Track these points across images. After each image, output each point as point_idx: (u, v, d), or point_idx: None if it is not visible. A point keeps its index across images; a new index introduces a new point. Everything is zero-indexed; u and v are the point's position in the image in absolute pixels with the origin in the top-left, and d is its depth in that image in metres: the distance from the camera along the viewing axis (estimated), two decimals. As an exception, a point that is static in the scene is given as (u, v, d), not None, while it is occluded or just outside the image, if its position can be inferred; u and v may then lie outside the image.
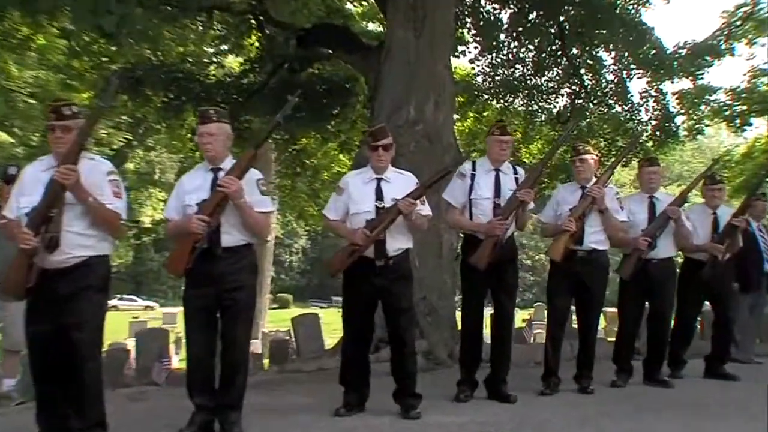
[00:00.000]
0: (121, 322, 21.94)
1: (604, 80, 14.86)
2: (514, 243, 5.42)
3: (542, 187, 14.60)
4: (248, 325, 4.30)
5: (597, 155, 5.96)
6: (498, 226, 5.07)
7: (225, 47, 14.83)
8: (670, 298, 6.17)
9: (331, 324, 11.92)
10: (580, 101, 15.00)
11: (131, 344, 10.89)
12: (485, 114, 16.77)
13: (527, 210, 5.29)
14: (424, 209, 4.81)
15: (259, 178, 4.37)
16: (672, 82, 14.54)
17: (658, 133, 14.83)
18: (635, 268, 5.90)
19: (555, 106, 15.88)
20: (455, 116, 14.92)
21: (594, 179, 5.69)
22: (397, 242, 4.69)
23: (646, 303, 6.16)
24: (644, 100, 14.76)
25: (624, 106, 14.90)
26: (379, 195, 4.70)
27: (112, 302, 42.09)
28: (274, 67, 13.27)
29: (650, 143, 14.94)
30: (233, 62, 16.17)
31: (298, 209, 20.66)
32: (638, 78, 14.51)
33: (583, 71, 14.75)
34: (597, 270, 5.64)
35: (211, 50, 15.11)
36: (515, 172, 5.36)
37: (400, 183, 4.75)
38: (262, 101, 12.98)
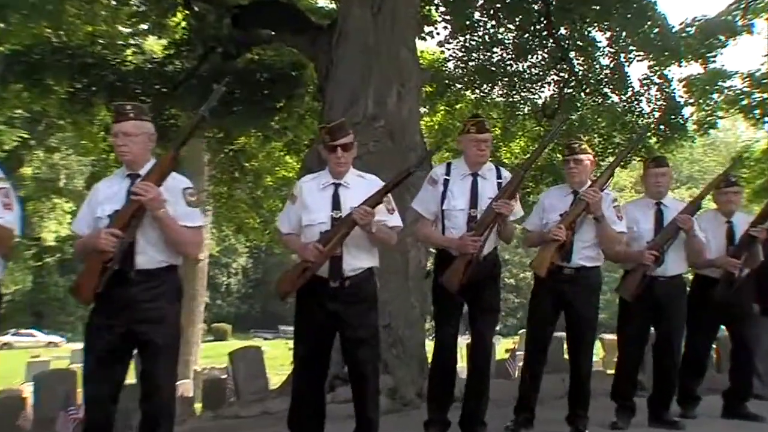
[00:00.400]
0: (17, 362, 21.50)
1: (597, 65, 15.08)
2: (495, 259, 5.44)
3: (526, 192, 14.75)
4: (171, 364, 4.22)
5: (593, 156, 6.00)
6: (470, 244, 5.08)
7: (144, 27, 14.73)
8: (680, 323, 6.15)
9: (278, 359, 11.86)
10: (570, 90, 15.19)
11: (29, 390, 10.67)
12: (458, 107, 16.92)
13: (509, 221, 5.31)
14: (391, 219, 4.80)
15: (186, 187, 4.31)
16: (679, 67, 14.71)
17: (662, 127, 15.06)
18: (639, 287, 5.90)
19: (540, 97, 16.11)
20: (422, 110, 15.00)
21: (588, 183, 5.72)
22: (356, 260, 4.68)
23: (651, 328, 6.18)
24: (646, 88, 15.02)
25: (622, 96, 15.13)
26: (336, 203, 4.69)
27: (4, 338, 41.46)
28: (205, 52, 13.22)
29: (653, 139, 15.16)
30: (155, 45, 16.08)
31: (237, 222, 20.57)
32: (638, 62, 14.79)
33: (572, 55, 14.95)
34: (586, 290, 5.68)
35: (128, 30, 14.96)
36: (498, 176, 5.38)
37: (361, 189, 4.72)
38: (190, 92, 12.88)
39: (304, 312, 4.77)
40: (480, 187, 5.30)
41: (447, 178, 5.36)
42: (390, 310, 7.85)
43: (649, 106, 15.13)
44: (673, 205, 6.18)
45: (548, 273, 5.52)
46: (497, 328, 5.60)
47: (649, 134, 15.14)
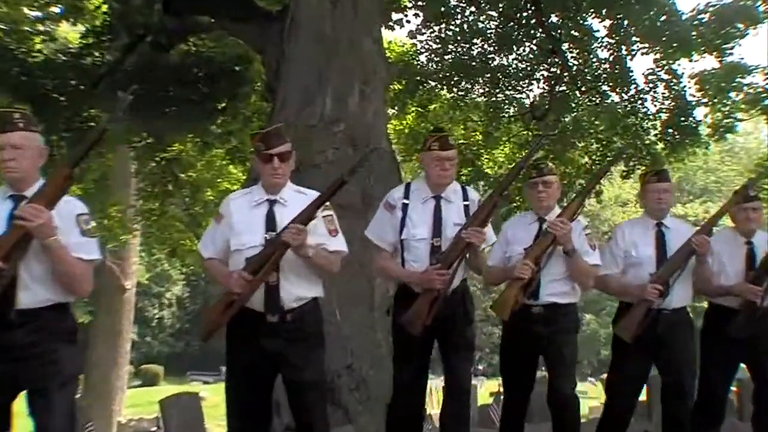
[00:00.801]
0: None
1: (594, 59, 15.24)
2: (466, 292, 5.48)
3: (513, 207, 14.82)
4: (66, 419, 4.09)
5: (559, 179, 6.04)
6: (436, 278, 5.09)
7: (56, 10, 14.62)
8: (691, 362, 6.14)
9: (220, 406, 11.72)
10: (563, 88, 15.34)
11: None
12: (431, 107, 17.05)
13: (480, 251, 5.34)
14: (332, 242, 4.81)
15: (81, 213, 4.23)
16: (690, 61, 14.83)
17: (671, 130, 15.23)
18: (642, 326, 5.87)
19: (528, 96, 16.25)
20: (390, 111, 15.03)
21: (556, 210, 5.78)
22: (297, 288, 4.69)
23: (649, 369, 6.19)
24: (651, 85, 15.20)
25: (623, 95, 15.29)
26: (270, 223, 4.70)
27: None
28: (131, 42, 13.14)
29: (660, 145, 15.31)
30: (69, 33, 15.95)
31: (171, 243, 20.42)
32: (642, 55, 14.92)
33: (565, 47, 15.09)
34: (561, 332, 5.70)
35: (36, 14, 14.80)
36: (465, 198, 5.42)
37: (301, 206, 4.70)
38: (112, 90, 12.75)
39: (236, 353, 4.76)
40: (444, 211, 5.33)
41: (406, 202, 5.38)
42: (352, 347, 7.86)
43: (655, 107, 15.35)
44: (676, 227, 6.22)
45: (512, 315, 5.53)
46: (480, 367, 5.58)
47: (653, 139, 15.26)
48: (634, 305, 5.93)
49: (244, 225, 4.73)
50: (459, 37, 15.19)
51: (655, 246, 6.08)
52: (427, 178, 5.42)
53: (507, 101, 16.11)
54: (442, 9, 14.79)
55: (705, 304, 6.99)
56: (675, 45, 14.15)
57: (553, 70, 15.41)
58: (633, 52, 14.84)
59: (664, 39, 14.04)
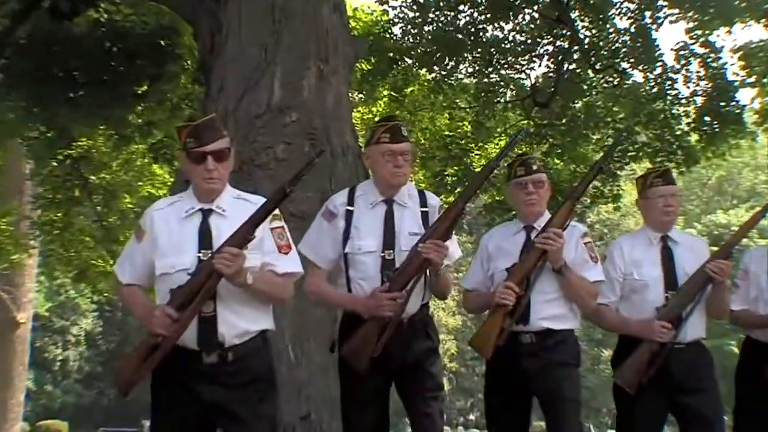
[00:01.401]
0: None
1: (611, 29, 15.31)
2: (426, 319, 5.50)
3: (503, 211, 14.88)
4: None
5: (548, 180, 6.06)
6: (385, 304, 5.11)
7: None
8: (718, 408, 6.13)
9: (140, 473, 11.78)
10: (572, 66, 15.39)
11: None
12: (408, 91, 17.07)
13: (443, 270, 5.33)
14: (282, 263, 4.81)
15: None
16: (730, 32, 15.03)
17: (708, 118, 15.32)
18: (647, 372, 5.85)
19: (528, 76, 16.31)
20: (356, 96, 15.05)
21: (546, 216, 5.81)
22: (239, 320, 4.69)
23: (664, 420, 6.14)
24: (683, 62, 15.33)
25: (648, 74, 15.38)
26: (205, 238, 4.70)
27: None
28: (24, 8, 13.08)
29: (695, 137, 15.42)
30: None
31: (78, 264, 20.34)
32: (671, 24, 15.10)
33: (575, 14, 15.15)
34: (557, 366, 5.67)
35: None
36: (423, 203, 5.46)
37: (243, 217, 4.67)
38: (4, 69, 12.78)
39: (164, 404, 4.77)
40: (397, 218, 5.36)
41: (350, 209, 5.40)
42: (308, 393, 7.83)
43: (688, 88, 15.50)
44: (685, 241, 6.26)
45: (495, 350, 5.55)
46: (473, 417, 5.62)
47: (686, 128, 15.33)
48: (639, 347, 5.86)
49: (171, 243, 4.70)
50: (442, 3, 15.26)
51: (662, 265, 6.07)
52: (376, 178, 5.45)
53: (502, 83, 16.24)
54: (421, -33, 14.91)
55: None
56: (712, 11, 14.25)
57: (559, 43, 15.50)
58: (659, 21, 14.95)
59: (698, 4, 14.18)
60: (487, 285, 5.80)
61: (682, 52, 15.09)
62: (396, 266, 5.18)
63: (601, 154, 16.45)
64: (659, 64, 15.23)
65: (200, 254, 4.63)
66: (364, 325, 5.12)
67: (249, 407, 4.67)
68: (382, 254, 5.25)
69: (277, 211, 4.78)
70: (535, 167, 5.85)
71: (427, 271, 5.19)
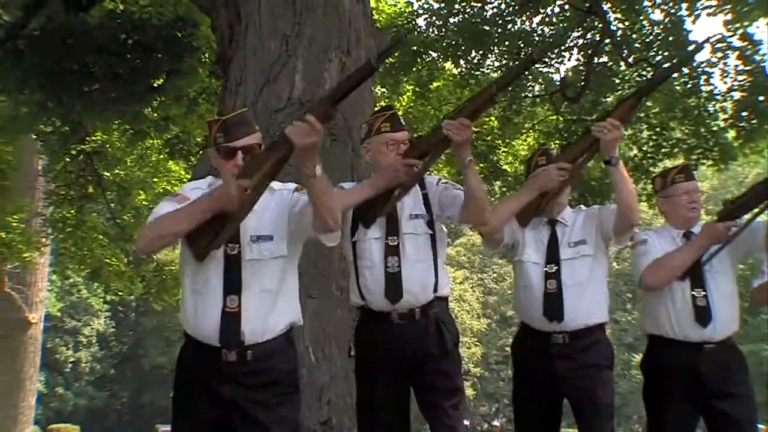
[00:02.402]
0: None
1: (644, 21, 15.26)
2: (444, 316, 5.51)
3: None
4: None
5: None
6: (400, 169, 5.28)
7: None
8: (750, 416, 6.03)
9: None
10: (603, 60, 15.34)
11: None
12: (434, 86, 17.06)
13: (472, 162, 5.30)
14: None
15: None
16: (771, 23, 14.80)
17: (745, 113, 15.24)
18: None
19: (557, 70, 16.27)
20: (380, 90, 15.02)
21: (569, 210, 5.94)
22: (264, 317, 4.68)
23: (695, 426, 6.07)
24: (719, 55, 15.21)
25: (682, 68, 15.28)
26: (234, 231, 4.65)
27: None
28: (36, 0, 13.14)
29: (732, 133, 15.37)
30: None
31: (91, 263, 20.39)
32: (709, 16, 14.95)
33: (607, 5, 15.12)
34: (591, 369, 5.67)
35: None
36: (422, 186, 5.53)
37: (270, 206, 4.77)
38: (13, 63, 12.81)
39: (185, 403, 4.77)
40: (399, 205, 5.45)
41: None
42: (330, 397, 7.82)
43: (725, 83, 15.37)
44: None
45: (525, 349, 5.71)
46: (497, 423, 5.60)
47: (726, 126, 15.26)
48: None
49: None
50: (468, -6, 15.25)
51: None
52: (380, 168, 5.52)
53: (530, 77, 16.16)
54: (446, -44, 14.88)
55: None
56: (751, 1, 14.14)
57: (590, 36, 15.45)
58: (696, 12, 14.86)
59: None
60: (507, 245, 5.89)
61: (718, 46, 14.97)
62: (399, 252, 5.31)
63: (635, 150, 16.45)
64: (693, 57, 15.15)
65: (228, 248, 4.63)
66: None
67: (268, 410, 4.65)
68: (386, 241, 5.35)
69: (298, 186, 4.80)
70: (555, 158, 5.88)
71: (436, 256, 5.37)
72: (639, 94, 5.89)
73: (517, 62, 6.23)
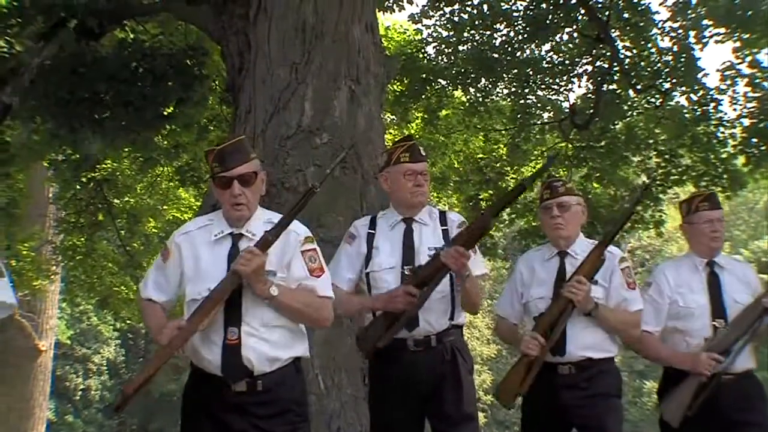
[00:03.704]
0: None
1: (653, 48, 15.27)
2: (457, 343, 5.54)
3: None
4: None
5: (584, 202, 6.06)
6: (399, 296, 5.24)
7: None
8: None
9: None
10: (612, 86, 15.34)
11: None
12: (442, 114, 17.06)
13: (469, 281, 5.38)
14: (318, 285, 4.83)
15: None
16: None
17: (754, 140, 15.21)
18: (695, 406, 5.78)
19: (566, 97, 16.27)
20: (389, 117, 15.03)
21: (583, 240, 5.91)
22: (268, 346, 4.69)
23: None
24: (728, 82, 15.24)
25: (691, 95, 15.31)
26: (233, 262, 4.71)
27: None
28: (50, 27, 13.16)
29: (741, 159, 15.33)
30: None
31: (101, 291, 20.35)
32: (716, 44, 14.96)
33: (616, 33, 15.14)
34: (599, 398, 5.67)
35: None
36: (443, 222, 5.57)
37: (280, 244, 4.75)
38: (30, 91, 12.84)
39: (193, 426, 4.80)
40: (417, 235, 5.52)
41: (371, 231, 5.59)
42: (339, 425, 7.81)
43: (735, 110, 15.40)
44: (732, 267, 6.19)
45: (514, 397, 5.66)
46: None
47: (735, 152, 15.25)
48: (685, 378, 5.82)
49: (199, 268, 4.75)
50: (477, 22, 15.25)
51: (709, 292, 6.03)
52: (395, 199, 5.61)
53: (539, 104, 16.18)
54: (455, -16, 14.91)
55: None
56: (759, 29, 14.15)
57: (599, 63, 15.46)
58: (704, 40, 14.85)
59: (744, 21, 14.06)
60: (518, 313, 5.90)
61: (727, 72, 14.99)
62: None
63: (643, 177, 16.43)
64: (702, 84, 15.08)
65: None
66: (377, 317, 5.35)
67: None
68: (402, 270, 5.39)
69: (309, 234, 4.86)
70: (561, 190, 5.87)
71: (453, 286, 5.37)
72: (603, 244, 5.77)
73: (508, 190, 6.37)
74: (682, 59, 14.92)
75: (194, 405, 4.73)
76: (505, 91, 16.23)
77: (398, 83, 15.46)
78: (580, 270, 5.57)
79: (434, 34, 15.71)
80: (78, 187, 17.53)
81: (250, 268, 4.45)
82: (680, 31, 14.94)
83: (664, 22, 15.06)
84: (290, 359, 4.76)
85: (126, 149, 15.90)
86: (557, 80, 15.88)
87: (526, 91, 15.91)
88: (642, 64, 15.23)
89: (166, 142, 15.51)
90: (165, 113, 14.36)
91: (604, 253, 5.64)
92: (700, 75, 14.94)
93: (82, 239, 18.68)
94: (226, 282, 4.53)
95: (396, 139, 6.07)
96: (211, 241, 4.79)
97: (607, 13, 14.81)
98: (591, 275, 5.55)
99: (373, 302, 5.41)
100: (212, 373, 4.60)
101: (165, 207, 18.60)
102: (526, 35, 15.27)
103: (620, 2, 14.84)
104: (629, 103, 15.64)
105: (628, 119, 15.73)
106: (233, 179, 4.70)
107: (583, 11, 14.73)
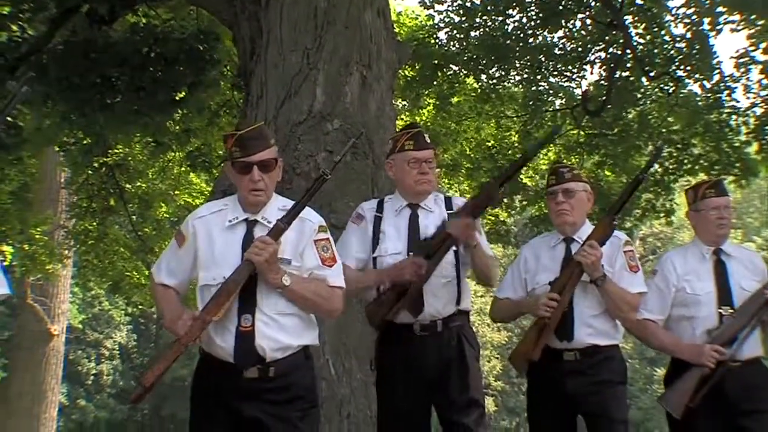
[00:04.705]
0: None
1: (666, 36, 15.20)
2: (463, 328, 5.55)
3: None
4: None
5: (590, 187, 6.06)
6: (407, 267, 5.27)
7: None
8: None
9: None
10: (625, 74, 15.28)
11: None
12: (454, 100, 17.02)
13: (478, 246, 5.41)
14: (330, 275, 4.82)
15: None
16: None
17: (767, 128, 15.18)
18: (693, 398, 5.71)
19: (579, 84, 16.20)
20: (400, 104, 15.00)
21: (588, 226, 5.89)
22: (281, 333, 4.68)
23: None
24: (742, 70, 15.19)
25: (704, 83, 15.25)
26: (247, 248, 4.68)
27: None
28: (61, 12, 13.14)
29: (753, 147, 15.29)
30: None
31: (113, 275, 20.41)
32: (732, 33, 15.01)
33: (629, 19, 15.06)
34: (605, 385, 5.68)
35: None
36: (449, 207, 5.58)
37: (295, 232, 4.74)
38: (37, 74, 12.81)
39: (203, 421, 4.78)
40: (422, 222, 5.54)
41: (378, 215, 5.61)
42: (350, 411, 7.80)
43: (748, 98, 15.34)
44: (739, 255, 6.14)
45: (537, 367, 5.65)
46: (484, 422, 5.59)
47: (743, 139, 15.18)
48: (688, 371, 5.76)
49: (214, 254, 4.72)
50: (490, 8, 15.19)
51: (715, 280, 5.97)
52: (401, 186, 5.63)
53: (552, 91, 16.12)
54: (468, -29, 14.85)
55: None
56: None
57: (612, 50, 15.39)
58: (718, 27, 14.73)
59: (760, 8, 13.91)
60: (520, 297, 5.90)
61: (741, 60, 14.91)
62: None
63: (655, 166, 16.35)
64: (716, 72, 15.00)
65: None
66: (386, 293, 5.34)
67: (290, 426, 4.64)
68: (408, 255, 5.39)
69: (323, 223, 4.84)
70: (567, 176, 5.88)
71: (459, 272, 5.42)
72: (614, 210, 5.88)
73: (513, 161, 6.39)
74: (696, 46, 14.83)
75: (204, 392, 4.72)
76: (517, 78, 16.17)
77: (409, 69, 15.40)
78: (591, 236, 5.60)
79: (446, 20, 15.62)
80: (90, 172, 17.58)
81: (262, 257, 4.44)
82: (694, 17, 14.83)
83: (678, 8, 15.01)
84: (300, 347, 4.74)
85: (137, 134, 15.87)
86: (569, 67, 15.82)
87: (539, 77, 15.86)
88: (655, 51, 15.13)
89: (177, 128, 15.48)
90: (176, 98, 14.32)
91: (615, 218, 5.70)
92: (714, 62, 14.83)
93: (94, 224, 18.72)
94: (241, 271, 4.52)
95: (403, 127, 6.05)
96: (225, 227, 4.77)
97: (620, -1, 14.79)
98: (602, 241, 5.58)
99: (381, 275, 5.41)
100: (223, 359, 4.60)
101: (176, 192, 18.60)
102: (538, 21, 15.19)
103: (633, -12, 14.77)
104: (642, 90, 15.56)
105: (640, 107, 15.65)
106: (253, 165, 4.67)
107: (595, -2, 14.67)
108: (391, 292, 5.29)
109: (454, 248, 5.42)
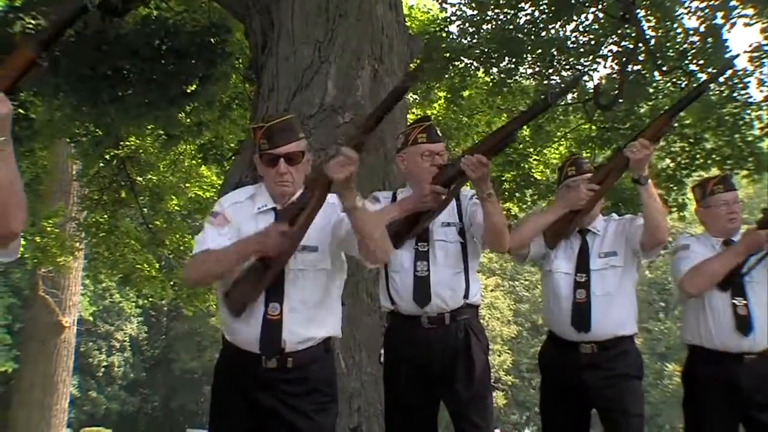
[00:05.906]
0: None
1: (679, 29, 15.15)
2: (472, 321, 5.53)
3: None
4: None
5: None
6: (428, 192, 5.35)
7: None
8: None
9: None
10: (637, 67, 15.24)
11: None
12: (466, 93, 17.00)
13: (492, 197, 5.32)
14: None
15: None
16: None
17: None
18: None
19: (591, 78, 16.16)
20: (411, 97, 14.97)
21: (600, 219, 5.96)
22: (305, 325, 4.68)
23: None
24: (756, 63, 15.07)
25: (718, 77, 15.15)
26: None
27: None
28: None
29: (767, 142, 15.25)
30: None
31: (124, 268, 20.35)
32: (745, 26, 14.83)
33: (642, 12, 15.02)
34: (621, 379, 5.68)
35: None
36: (457, 198, 5.58)
37: (318, 216, 4.69)
38: (49, 69, 12.79)
39: (222, 409, 4.79)
40: (432, 214, 5.49)
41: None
42: (360, 404, 7.82)
43: (761, 91, 15.27)
44: None
45: (551, 361, 5.75)
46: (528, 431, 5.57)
47: (761, 135, 15.12)
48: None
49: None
50: (502, 1, 15.15)
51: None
52: (414, 180, 5.62)
53: (563, 85, 16.01)
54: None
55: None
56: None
57: (624, 43, 15.35)
58: (732, 20, 14.66)
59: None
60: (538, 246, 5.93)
61: (755, 54, 14.83)
62: (429, 258, 5.39)
63: (668, 161, 16.32)
64: (730, 65, 14.97)
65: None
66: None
67: (306, 418, 4.65)
68: (416, 246, 5.42)
69: None
70: (587, 167, 5.94)
71: (467, 264, 5.45)
72: (671, 112, 5.93)
73: (533, 104, 6.32)
74: (709, 40, 14.78)
75: (225, 380, 4.76)
76: (529, 71, 16.11)
77: (420, 61, 15.38)
78: (644, 133, 5.62)
79: (458, 13, 15.59)
80: (101, 164, 17.57)
81: (344, 174, 4.28)
82: (707, 11, 14.77)
83: (691, 1, 14.92)
84: (322, 339, 4.75)
85: (149, 127, 15.89)
86: (582, 60, 15.75)
87: (551, 71, 15.80)
88: (668, 44, 15.07)
89: (188, 120, 15.46)
90: (188, 91, 14.32)
91: (672, 119, 5.80)
92: (728, 56, 14.74)
93: (105, 216, 18.73)
94: (309, 188, 4.59)
95: (414, 121, 6.06)
96: (254, 213, 4.80)
97: (633, -8, 14.72)
98: (655, 139, 5.61)
99: (400, 206, 5.45)
100: (246, 348, 4.62)
101: (187, 185, 18.60)
102: (550, 15, 15.13)
103: (646, -18, 14.71)
104: (654, 84, 15.50)
105: (653, 101, 15.59)
106: (280, 157, 4.68)
107: (608, -9, 14.61)
108: (404, 219, 5.36)
109: (460, 226, 5.50)
